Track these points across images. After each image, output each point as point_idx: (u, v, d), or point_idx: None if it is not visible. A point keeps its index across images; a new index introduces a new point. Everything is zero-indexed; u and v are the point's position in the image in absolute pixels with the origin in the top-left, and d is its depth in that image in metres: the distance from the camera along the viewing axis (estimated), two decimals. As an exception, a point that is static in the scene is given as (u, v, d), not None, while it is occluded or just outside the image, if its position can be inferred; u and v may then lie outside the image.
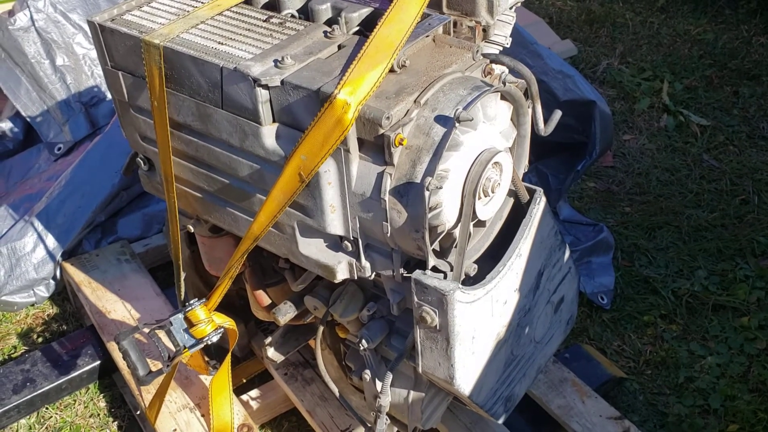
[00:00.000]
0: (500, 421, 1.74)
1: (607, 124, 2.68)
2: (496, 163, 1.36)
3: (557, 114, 1.51)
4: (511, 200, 1.56)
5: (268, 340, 1.97)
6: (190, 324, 1.65)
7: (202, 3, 1.57)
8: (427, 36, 1.43)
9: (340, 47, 1.41)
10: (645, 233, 2.86)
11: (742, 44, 3.98)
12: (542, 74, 2.61)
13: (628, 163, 3.23)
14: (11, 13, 2.93)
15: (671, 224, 2.89)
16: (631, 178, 3.14)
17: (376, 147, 1.31)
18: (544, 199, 1.55)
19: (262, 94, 1.34)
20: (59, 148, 2.85)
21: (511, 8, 1.59)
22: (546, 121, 1.50)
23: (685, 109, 3.52)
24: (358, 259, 1.46)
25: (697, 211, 2.95)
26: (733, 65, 3.82)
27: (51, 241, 2.57)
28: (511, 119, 1.47)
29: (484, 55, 1.45)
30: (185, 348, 1.65)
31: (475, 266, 1.50)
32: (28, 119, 2.88)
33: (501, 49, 1.59)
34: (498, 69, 1.49)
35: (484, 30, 1.55)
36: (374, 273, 1.48)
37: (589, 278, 2.58)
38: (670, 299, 2.58)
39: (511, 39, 1.62)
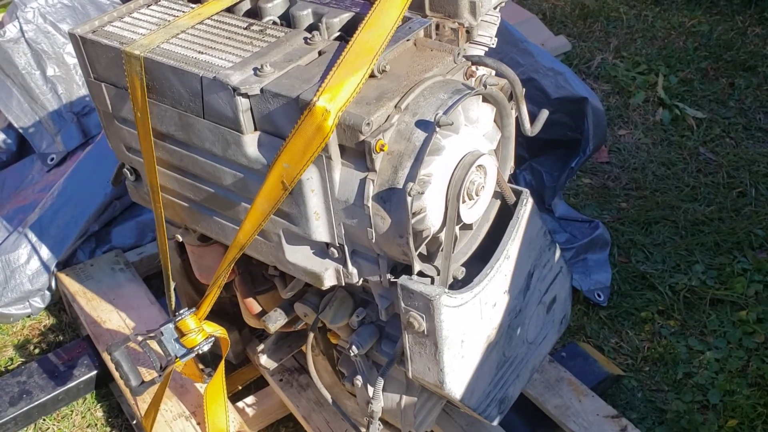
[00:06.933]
0: (495, 423, 1.74)
1: (600, 120, 2.67)
2: (479, 166, 1.35)
3: (544, 114, 1.50)
4: (498, 202, 1.55)
5: (261, 347, 1.96)
6: (181, 333, 1.64)
7: (183, 12, 1.56)
8: (407, 40, 1.42)
9: (320, 53, 1.41)
10: (641, 229, 2.84)
11: (737, 35, 3.96)
12: (533, 72, 2.60)
13: (624, 158, 3.21)
14: (0, 25, 2.93)
15: (668, 219, 2.87)
16: (627, 174, 3.13)
17: (358, 153, 1.30)
18: (531, 200, 1.54)
19: (243, 103, 1.34)
20: (52, 159, 2.85)
21: (495, 8, 1.58)
22: (533, 120, 1.49)
23: (680, 102, 3.50)
24: (345, 265, 1.45)
25: (694, 205, 2.94)
26: (728, 57, 3.80)
27: (45, 251, 2.57)
28: (495, 121, 1.46)
29: (466, 57, 1.44)
30: (177, 358, 1.64)
31: (463, 269, 1.49)
32: (20, 130, 2.88)
33: (486, 49, 1.58)
34: (481, 71, 1.48)
35: (467, 31, 1.53)
36: (362, 279, 1.48)
37: (586, 275, 2.57)
38: (668, 295, 2.56)
39: (497, 39, 1.60)
